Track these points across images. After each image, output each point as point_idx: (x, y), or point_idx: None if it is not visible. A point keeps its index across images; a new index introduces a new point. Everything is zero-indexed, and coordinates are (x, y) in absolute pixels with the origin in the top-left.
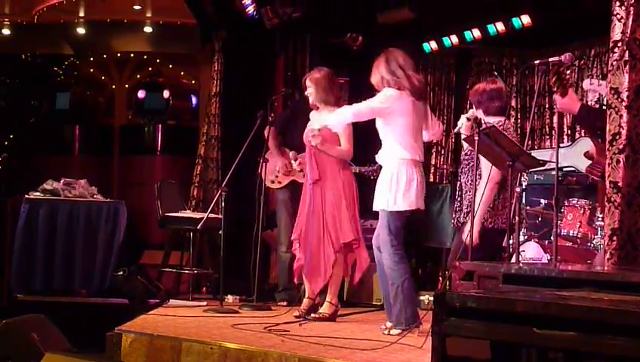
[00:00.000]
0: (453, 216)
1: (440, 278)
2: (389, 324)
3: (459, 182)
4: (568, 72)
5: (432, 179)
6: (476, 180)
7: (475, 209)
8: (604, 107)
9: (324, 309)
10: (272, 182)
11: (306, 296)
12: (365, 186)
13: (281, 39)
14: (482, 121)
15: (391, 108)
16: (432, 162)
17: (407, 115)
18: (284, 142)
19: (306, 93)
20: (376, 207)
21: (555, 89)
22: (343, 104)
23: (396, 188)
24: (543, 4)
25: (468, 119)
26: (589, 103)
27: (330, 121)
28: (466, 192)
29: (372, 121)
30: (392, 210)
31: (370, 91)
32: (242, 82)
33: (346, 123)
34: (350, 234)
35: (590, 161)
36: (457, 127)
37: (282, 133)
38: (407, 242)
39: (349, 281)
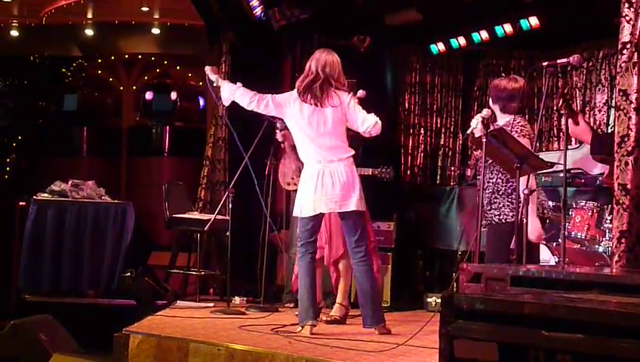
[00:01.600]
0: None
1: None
2: None
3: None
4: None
5: (439, 181)
6: (483, 181)
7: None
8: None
9: (335, 311)
10: (289, 184)
11: (338, 301)
12: (378, 189)
13: (288, 41)
14: (490, 123)
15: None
16: (440, 164)
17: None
18: None
19: None
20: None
21: (564, 112)
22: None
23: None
24: (551, 6)
25: (483, 119)
26: (598, 105)
27: None
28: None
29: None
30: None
31: (377, 93)
32: (250, 83)
33: None
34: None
35: (602, 164)
36: (470, 128)
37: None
38: (415, 244)
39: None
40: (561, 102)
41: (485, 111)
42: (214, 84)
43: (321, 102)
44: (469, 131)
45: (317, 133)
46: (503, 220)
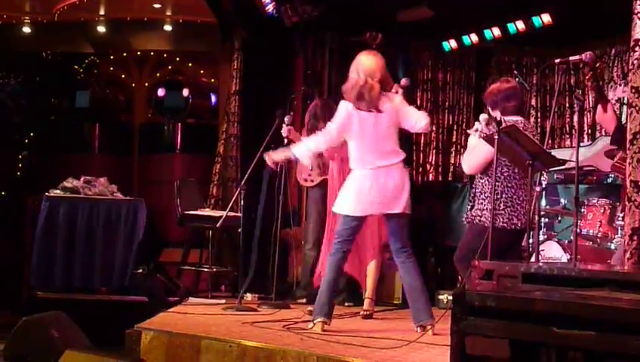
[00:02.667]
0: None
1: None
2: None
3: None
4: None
5: (450, 178)
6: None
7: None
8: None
9: (367, 306)
10: (305, 180)
11: (366, 296)
12: None
13: (300, 37)
14: (503, 120)
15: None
16: (452, 161)
17: (346, 124)
18: None
19: None
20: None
21: (588, 83)
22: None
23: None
24: (564, 3)
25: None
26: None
27: None
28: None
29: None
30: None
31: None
32: (262, 80)
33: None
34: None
35: (611, 161)
36: (475, 128)
37: (313, 132)
38: (426, 241)
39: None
40: (591, 82)
41: (482, 116)
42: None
43: (376, 108)
44: (475, 134)
45: (376, 139)
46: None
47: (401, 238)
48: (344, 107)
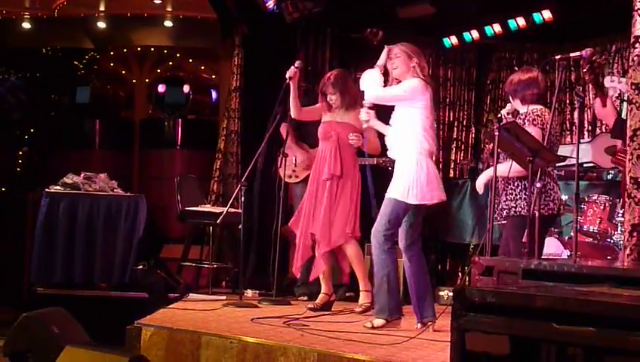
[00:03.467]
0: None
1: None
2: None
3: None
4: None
5: (451, 175)
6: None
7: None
8: (625, 103)
9: (363, 299)
10: (290, 176)
11: (322, 291)
12: (384, 178)
13: (301, 34)
14: (504, 116)
15: (416, 99)
16: (453, 158)
17: (430, 108)
18: (300, 137)
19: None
20: (387, 193)
21: (586, 77)
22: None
23: (411, 181)
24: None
25: (508, 114)
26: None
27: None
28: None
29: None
30: (404, 201)
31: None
32: (262, 77)
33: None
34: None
35: (611, 157)
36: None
37: (299, 129)
38: (427, 237)
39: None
40: (587, 67)
41: (509, 106)
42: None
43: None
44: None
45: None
46: (518, 212)
47: (418, 231)
48: (422, 83)
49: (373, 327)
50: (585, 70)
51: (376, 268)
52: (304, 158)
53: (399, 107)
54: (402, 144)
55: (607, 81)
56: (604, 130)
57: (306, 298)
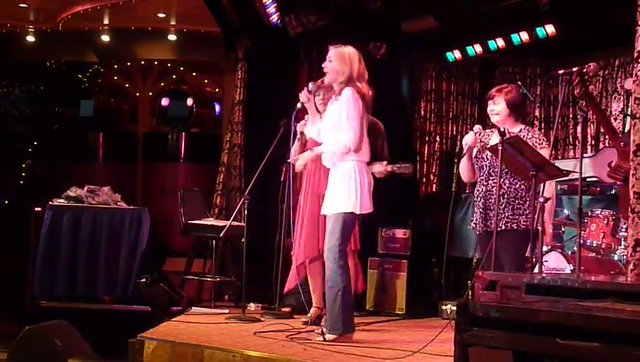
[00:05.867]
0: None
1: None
2: (324, 330)
3: (484, 188)
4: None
5: (454, 189)
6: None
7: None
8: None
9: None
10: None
11: (314, 304)
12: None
13: (304, 48)
14: (507, 131)
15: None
16: (455, 171)
17: (365, 118)
18: None
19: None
20: (329, 210)
21: (577, 90)
22: None
23: (356, 189)
24: (568, 14)
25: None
26: (614, 114)
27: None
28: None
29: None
30: (350, 212)
31: (393, 100)
32: (266, 90)
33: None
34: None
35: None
36: (466, 144)
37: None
38: (429, 251)
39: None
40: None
41: (476, 128)
42: None
43: None
44: (465, 145)
45: None
46: (522, 227)
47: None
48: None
49: (325, 341)
50: (576, 82)
51: (331, 283)
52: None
53: (332, 117)
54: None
55: (628, 84)
56: (607, 145)
57: (289, 309)
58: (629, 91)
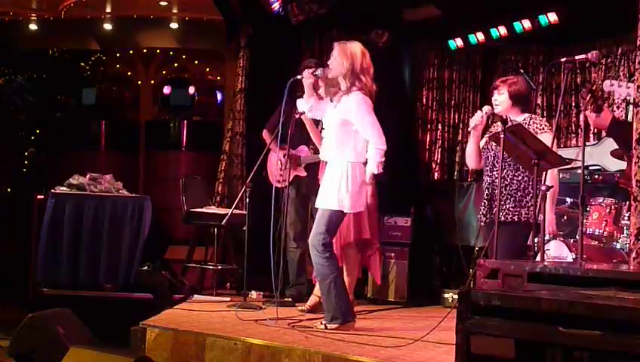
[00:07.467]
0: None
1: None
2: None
3: (489, 178)
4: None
5: (456, 177)
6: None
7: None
8: (630, 106)
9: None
10: (279, 181)
11: (314, 293)
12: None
13: (306, 36)
14: (509, 119)
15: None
16: (457, 160)
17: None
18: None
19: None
20: (320, 204)
21: (589, 106)
22: None
23: (347, 189)
24: (570, 2)
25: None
26: (617, 102)
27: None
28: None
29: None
30: (338, 210)
31: (395, 88)
32: (267, 78)
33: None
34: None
35: (617, 160)
36: (473, 122)
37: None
38: (431, 240)
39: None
40: (589, 97)
41: (487, 108)
42: None
43: None
44: (472, 124)
45: None
46: (523, 219)
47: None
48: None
49: (326, 329)
50: (587, 100)
51: (321, 276)
52: (277, 160)
53: (339, 115)
54: (337, 150)
55: (606, 85)
56: None
57: (291, 299)
58: (612, 92)
